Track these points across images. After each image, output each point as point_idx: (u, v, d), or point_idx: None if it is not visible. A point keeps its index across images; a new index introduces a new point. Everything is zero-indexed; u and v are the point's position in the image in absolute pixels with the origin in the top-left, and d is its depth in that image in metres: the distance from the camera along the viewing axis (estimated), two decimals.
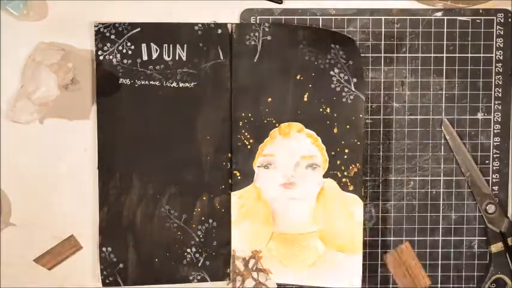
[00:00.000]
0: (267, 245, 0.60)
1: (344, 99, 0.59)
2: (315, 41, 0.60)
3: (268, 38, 0.60)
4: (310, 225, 0.60)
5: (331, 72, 0.59)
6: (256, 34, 0.60)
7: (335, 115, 0.60)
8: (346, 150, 0.60)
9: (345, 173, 0.60)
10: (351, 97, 0.59)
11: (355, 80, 0.59)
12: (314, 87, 0.60)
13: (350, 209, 0.59)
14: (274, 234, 0.60)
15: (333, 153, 0.60)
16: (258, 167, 0.60)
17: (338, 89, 0.59)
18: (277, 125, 0.60)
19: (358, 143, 0.60)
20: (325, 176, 0.60)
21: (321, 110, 0.60)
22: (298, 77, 0.60)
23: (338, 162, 0.60)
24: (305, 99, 0.60)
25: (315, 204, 0.60)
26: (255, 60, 0.60)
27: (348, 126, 0.60)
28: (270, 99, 0.60)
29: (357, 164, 0.60)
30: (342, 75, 0.59)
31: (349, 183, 0.60)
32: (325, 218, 0.60)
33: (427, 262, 0.63)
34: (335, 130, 0.60)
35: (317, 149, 0.60)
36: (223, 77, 0.60)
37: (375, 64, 0.62)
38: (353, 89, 0.59)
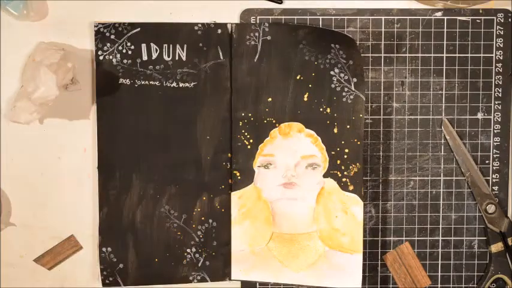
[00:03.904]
0: (267, 245, 0.60)
1: (344, 99, 0.59)
2: (314, 40, 0.59)
3: (268, 38, 0.60)
4: (310, 225, 0.60)
5: (332, 72, 0.59)
6: (256, 34, 0.60)
7: (335, 115, 0.60)
8: (346, 150, 0.59)
9: (345, 173, 0.59)
10: (351, 97, 0.59)
11: (355, 79, 0.59)
12: (314, 87, 0.60)
13: (350, 209, 0.59)
14: (274, 234, 0.60)
15: (333, 152, 0.60)
16: (258, 167, 0.60)
17: (338, 88, 0.59)
18: (277, 125, 0.60)
19: (358, 142, 0.59)
20: (325, 175, 0.60)
21: (321, 109, 0.60)
22: (298, 77, 0.60)
23: (338, 161, 0.60)
24: (305, 99, 0.60)
25: (315, 204, 0.60)
26: (255, 60, 0.60)
27: (348, 126, 0.59)
28: (270, 99, 0.60)
29: (357, 164, 0.59)
30: (342, 75, 0.59)
31: (349, 183, 0.59)
32: (325, 217, 0.60)
33: (427, 262, 0.63)
34: (335, 130, 0.60)
35: (317, 149, 0.60)
36: (223, 77, 0.61)
37: (374, 64, 0.62)
38: (353, 89, 0.59)
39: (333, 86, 0.59)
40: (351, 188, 0.59)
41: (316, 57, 0.59)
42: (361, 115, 0.59)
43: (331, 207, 0.59)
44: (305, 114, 0.60)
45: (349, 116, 0.59)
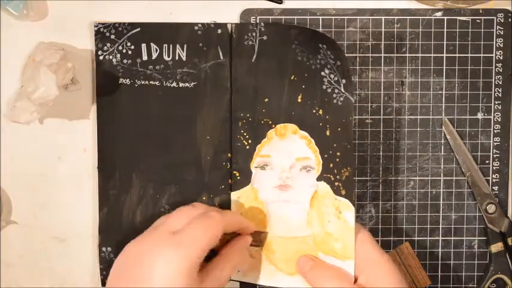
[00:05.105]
0: (262, 247, 0.60)
1: (335, 101, 0.58)
2: (305, 41, 0.59)
3: (264, 37, 0.60)
4: (304, 229, 0.59)
5: (322, 73, 0.59)
6: (254, 34, 0.60)
7: (327, 117, 0.59)
8: (338, 153, 0.58)
9: (338, 177, 0.58)
10: (341, 99, 0.58)
11: (344, 81, 0.58)
12: (307, 88, 0.59)
13: (342, 214, 0.58)
14: (269, 236, 0.60)
15: (325, 155, 0.59)
16: (255, 167, 0.60)
17: (329, 90, 0.58)
18: (273, 125, 0.60)
19: (349, 146, 0.58)
20: (318, 179, 0.59)
21: (314, 111, 0.59)
22: (292, 78, 0.59)
23: (331, 165, 0.59)
24: (299, 100, 0.59)
25: (308, 207, 0.59)
26: (253, 61, 0.60)
27: (339, 129, 0.58)
28: (266, 99, 0.60)
29: (348, 168, 0.58)
30: (332, 76, 0.58)
31: (341, 188, 0.58)
32: (318, 222, 0.59)
33: (427, 262, 0.63)
34: (327, 132, 0.59)
35: (311, 151, 0.59)
36: (222, 77, 0.60)
37: (374, 64, 0.62)
38: (343, 91, 0.58)
39: (324, 87, 0.59)
40: (343, 192, 0.58)
41: (308, 57, 0.59)
42: (350, 118, 0.58)
43: (324, 212, 0.58)
44: (299, 115, 0.59)
45: (340, 119, 0.58)
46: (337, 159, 0.58)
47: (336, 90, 0.58)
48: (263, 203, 0.60)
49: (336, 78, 0.58)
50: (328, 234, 0.58)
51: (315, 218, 0.59)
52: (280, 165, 0.59)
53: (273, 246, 0.60)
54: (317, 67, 0.59)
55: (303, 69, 0.59)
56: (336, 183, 0.58)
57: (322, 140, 0.59)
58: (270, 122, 0.60)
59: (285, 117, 0.60)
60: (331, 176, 0.58)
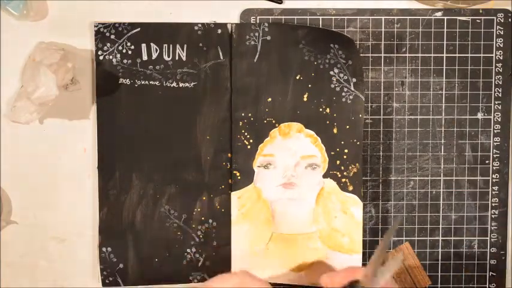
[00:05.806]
0: (266, 245, 0.60)
1: (344, 99, 0.59)
2: (314, 40, 0.60)
3: (268, 38, 0.60)
4: (310, 226, 0.60)
5: (331, 72, 0.59)
6: (256, 34, 0.60)
7: (335, 115, 0.60)
8: (346, 150, 0.60)
9: (345, 173, 0.60)
10: (351, 97, 0.59)
11: (354, 80, 0.59)
12: (314, 87, 0.60)
13: (349, 209, 0.59)
14: (274, 234, 0.60)
15: (332, 153, 0.60)
16: (258, 167, 0.60)
17: (338, 89, 0.59)
18: (277, 125, 0.60)
19: (358, 143, 0.59)
20: (324, 176, 0.60)
21: (320, 110, 0.60)
22: (297, 77, 0.60)
23: (338, 162, 0.60)
24: (305, 99, 0.60)
25: (314, 204, 0.60)
26: (255, 60, 0.60)
27: (347, 126, 0.59)
28: (269, 99, 0.60)
29: (356, 164, 0.59)
30: (341, 75, 0.59)
31: (348, 184, 0.59)
32: (324, 218, 0.60)
33: (427, 262, 0.63)
34: (335, 130, 0.60)
35: (317, 149, 0.60)
36: (223, 77, 0.61)
37: (374, 64, 0.62)
38: (352, 89, 0.59)
39: (332, 86, 0.59)
40: (350, 188, 0.59)
41: (316, 57, 0.59)
42: (360, 115, 0.59)
43: (330, 208, 0.60)
44: (305, 114, 0.60)
45: (349, 116, 0.59)
46: (345, 156, 0.59)
47: (345, 89, 0.59)
48: (267, 202, 0.60)
49: (345, 77, 0.58)
50: (334, 230, 0.59)
51: (321, 215, 0.60)
52: (285, 164, 0.60)
53: (278, 244, 0.60)
54: (325, 66, 0.59)
55: (310, 69, 0.60)
56: (343, 180, 0.59)
57: (329, 137, 0.59)
58: (274, 122, 0.60)
59: (289, 116, 0.60)
60: (338, 173, 0.59)
